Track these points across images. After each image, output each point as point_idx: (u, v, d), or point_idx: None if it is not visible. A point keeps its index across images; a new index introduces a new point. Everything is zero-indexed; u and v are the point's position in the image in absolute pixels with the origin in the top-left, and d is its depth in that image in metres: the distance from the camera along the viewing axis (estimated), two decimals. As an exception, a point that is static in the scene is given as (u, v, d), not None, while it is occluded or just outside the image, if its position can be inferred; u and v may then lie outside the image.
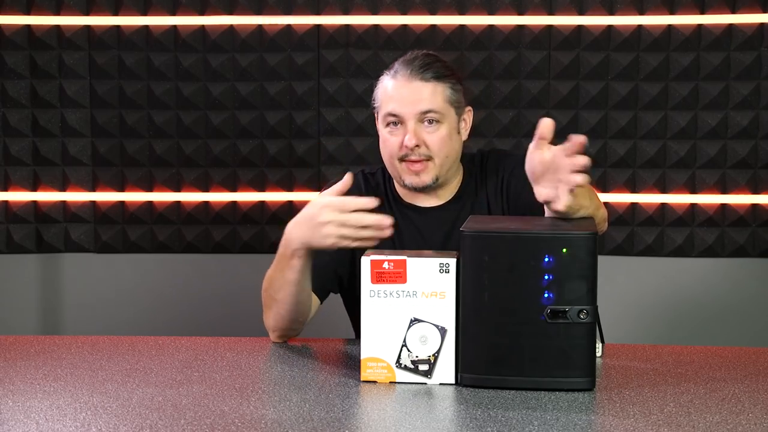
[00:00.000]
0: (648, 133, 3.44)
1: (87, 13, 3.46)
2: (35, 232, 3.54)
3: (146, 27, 3.46)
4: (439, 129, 2.11)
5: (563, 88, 3.44)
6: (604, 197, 3.42)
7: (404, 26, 3.45)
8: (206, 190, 3.52)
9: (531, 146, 1.80)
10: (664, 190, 3.45)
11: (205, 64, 3.48)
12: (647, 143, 3.44)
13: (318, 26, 3.46)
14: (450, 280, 1.74)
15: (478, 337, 1.72)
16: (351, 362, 1.91)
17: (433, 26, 3.44)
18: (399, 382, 1.77)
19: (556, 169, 1.77)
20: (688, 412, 1.61)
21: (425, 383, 1.76)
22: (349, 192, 1.91)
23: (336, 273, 2.15)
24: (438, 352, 1.75)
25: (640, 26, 3.41)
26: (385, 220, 1.84)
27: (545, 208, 1.84)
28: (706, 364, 1.92)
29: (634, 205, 3.47)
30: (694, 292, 3.50)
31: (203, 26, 3.47)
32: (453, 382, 1.76)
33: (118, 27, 3.46)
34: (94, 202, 3.53)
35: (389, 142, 2.12)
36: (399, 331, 1.76)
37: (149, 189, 3.52)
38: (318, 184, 3.46)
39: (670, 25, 3.40)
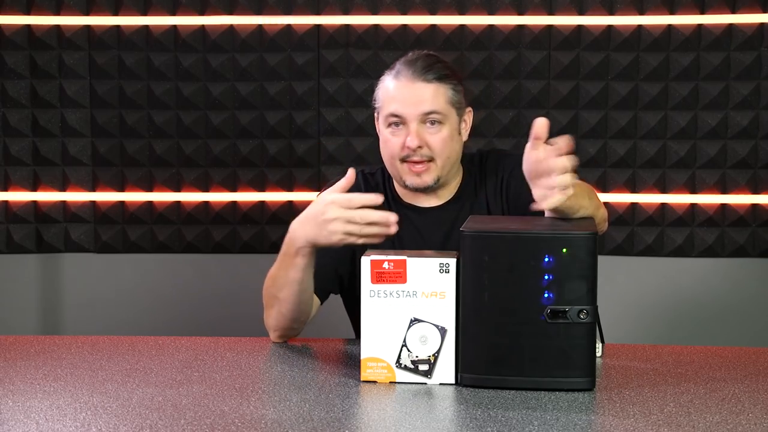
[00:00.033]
0: (648, 133, 3.44)
1: (87, 13, 3.46)
2: (35, 232, 3.54)
3: (146, 27, 3.46)
4: (441, 130, 2.11)
5: (563, 88, 3.44)
6: (604, 197, 3.42)
7: (404, 26, 3.45)
8: (206, 190, 3.52)
9: (527, 147, 1.79)
10: (664, 190, 3.45)
11: (205, 64, 3.48)
12: (647, 143, 3.44)
13: (318, 26, 3.46)
14: (450, 280, 1.74)
15: (478, 337, 1.72)
16: (351, 362, 1.91)
17: (433, 26, 3.44)
18: (399, 382, 1.77)
19: (547, 169, 1.76)
20: (688, 412, 1.61)
21: (425, 383, 1.76)
22: (350, 191, 1.91)
23: (336, 273, 2.15)
24: (438, 352, 1.75)
25: (640, 26, 3.41)
26: (391, 216, 1.84)
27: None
28: (706, 364, 1.92)
29: (634, 205, 3.47)
30: (694, 292, 3.50)
31: (203, 26, 3.47)
32: (453, 382, 1.76)
33: (118, 27, 3.46)
34: (94, 202, 3.53)
35: (391, 142, 2.12)
36: (399, 331, 1.76)
37: (149, 189, 3.52)
38: (318, 184, 3.46)
39: (670, 25, 3.40)
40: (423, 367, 1.76)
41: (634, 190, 3.46)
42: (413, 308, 1.75)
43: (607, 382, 1.79)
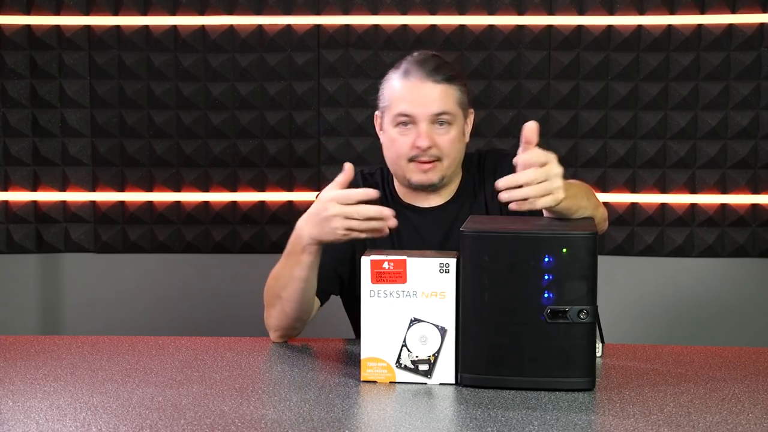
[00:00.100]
0: (648, 133, 3.44)
1: (87, 13, 3.46)
2: (35, 232, 3.54)
3: (146, 27, 3.46)
4: (450, 131, 2.12)
5: (563, 88, 3.44)
6: (604, 197, 3.42)
7: (404, 26, 3.45)
8: (206, 190, 3.52)
9: (519, 151, 1.80)
10: (664, 190, 3.45)
11: (205, 64, 3.48)
12: (647, 143, 3.44)
13: (318, 26, 3.46)
14: (450, 280, 1.74)
15: (478, 337, 1.72)
16: (351, 362, 1.91)
17: (433, 26, 3.44)
18: (399, 382, 1.77)
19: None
20: (688, 412, 1.61)
21: (425, 383, 1.76)
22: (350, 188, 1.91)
23: (336, 272, 2.16)
24: (438, 352, 1.75)
25: (640, 26, 3.41)
26: (385, 210, 1.85)
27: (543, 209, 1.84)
28: (706, 364, 1.92)
29: (634, 205, 3.47)
30: (694, 292, 3.50)
31: (203, 26, 3.47)
32: (453, 382, 1.76)
33: (118, 27, 3.46)
34: (94, 202, 3.53)
35: (399, 142, 2.12)
36: (399, 331, 1.76)
37: (149, 189, 3.52)
38: (318, 184, 3.46)
39: (670, 25, 3.40)
40: (423, 367, 1.76)
41: (634, 190, 3.46)
42: (413, 308, 1.75)
43: (607, 382, 1.79)
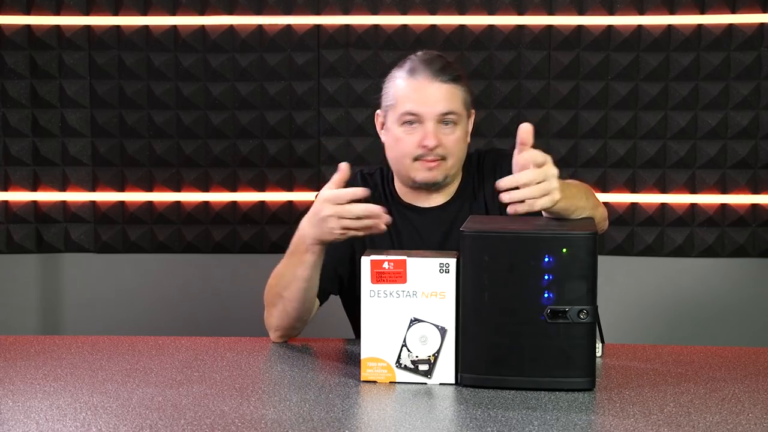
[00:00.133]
0: (648, 133, 3.44)
1: (87, 13, 3.46)
2: (35, 232, 3.54)
3: (146, 27, 3.46)
4: (455, 131, 2.12)
5: (563, 88, 3.44)
6: (604, 197, 3.42)
7: (404, 26, 3.45)
8: (206, 190, 3.52)
9: (515, 153, 1.80)
10: (664, 190, 3.45)
11: (205, 64, 3.48)
12: (647, 143, 3.44)
13: (318, 26, 3.46)
14: (450, 280, 1.74)
15: (478, 337, 1.72)
16: (351, 362, 1.91)
17: (433, 26, 3.44)
18: (399, 382, 1.77)
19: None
20: (688, 412, 1.61)
21: (425, 383, 1.76)
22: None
23: (336, 272, 2.16)
24: (438, 352, 1.75)
25: (640, 26, 3.41)
26: (375, 208, 1.86)
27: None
28: (706, 364, 1.92)
29: (634, 205, 3.47)
30: (694, 292, 3.50)
31: (203, 26, 3.47)
32: (453, 382, 1.76)
33: (118, 27, 3.46)
34: (94, 202, 3.53)
35: (405, 141, 2.12)
36: (399, 331, 1.76)
37: (149, 189, 3.52)
38: (318, 184, 3.46)
39: (670, 25, 3.40)
40: (423, 367, 1.76)
41: (634, 190, 3.46)
42: (413, 308, 1.75)
43: (607, 382, 1.79)
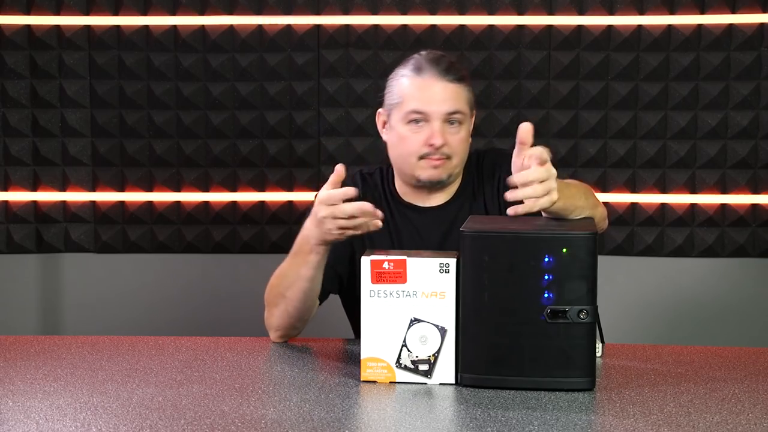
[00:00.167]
0: (648, 133, 3.44)
1: (87, 13, 3.46)
2: (35, 232, 3.54)
3: (146, 27, 3.46)
4: (460, 131, 2.13)
5: (563, 88, 3.44)
6: (604, 197, 3.42)
7: (404, 26, 3.45)
8: (206, 190, 3.52)
9: (514, 152, 1.80)
10: (664, 190, 3.45)
11: (205, 64, 3.48)
12: (647, 143, 3.44)
13: (318, 26, 3.46)
14: (450, 280, 1.74)
15: (478, 337, 1.72)
16: (351, 362, 1.92)
17: (433, 26, 3.44)
18: (399, 382, 1.77)
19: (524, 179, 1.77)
20: (688, 412, 1.61)
21: (425, 383, 1.76)
22: (351, 194, 1.92)
23: (336, 271, 2.16)
24: (438, 352, 1.75)
25: (640, 26, 3.41)
26: (365, 205, 1.87)
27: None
28: (706, 364, 1.92)
29: (634, 205, 3.47)
30: (694, 292, 3.50)
31: (203, 26, 3.47)
32: (453, 382, 1.76)
33: (118, 27, 3.46)
34: (94, 202, 3.53)
35: (410, 139, 2.12)
36: (399, 331, 1.76)
37: (149, 189, 3.52)
38: (318, 184, 3.46)
39: (670, 25, 3.40)
40: (423, 367, 1.76)
41: (634, 190, 3.46)
42: (413, 308, 1.75)
43: (607, 382, 1.79)
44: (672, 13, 3.39)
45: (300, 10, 3.45)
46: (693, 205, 3.45)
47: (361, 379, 1.78)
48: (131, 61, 3.48)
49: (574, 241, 1.69)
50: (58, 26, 3.46)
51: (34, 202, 3.52)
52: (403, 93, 2.13)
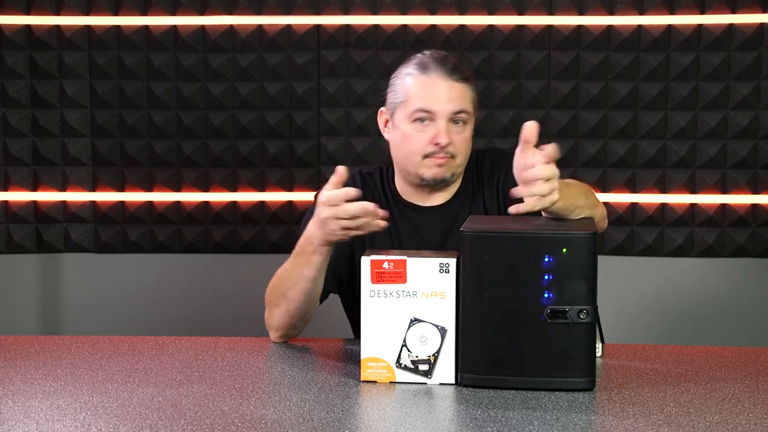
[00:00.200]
0: (648, 133, 3.44)
1: (87, 13, 3.46)
2: (35, 232, 3.54)
3: (146, 27, 3.46)
4: (464, 130, 2.13)
5: (563, 88, 3.44)
6: (604, 197, 3.42)
7: (404, 26, 3.45)
8: (206, 190, 3.52)
9: (517, 150, 1.80)
10: (664, 190, 3.45)
11: (205, 64, 3.48)
12: (647, 143, 3.44)
13: (318, 26, 3.46)
14: (450, 280, 1.74)
15: (478, 337, 1.72)
16: (351, 362, 1.91)
17: (433, 26, 3.44)
18: (399, 382, 1.77)
19: (531, 177, 1.77)
20: (688, 412, 1.61)
21: (425, 383, 1.76)
22: (351, 194, 1.92)
23: (336, 271, 2.16)
24: (438, 352, 1.75)
25: (640, 26, 3.41)
26: (368, 205, 1.87)
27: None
28: (706, 364, 1.92)
29: (634, 205, 3.47)
30: (694, 292, 3.50)
31: (203, 26, 3.47)
32: (453, 382, 1.76)
33: (118, 27, 3.46)
34: (94, 202, 3.53)
35: (415, 138, 2.12)
36: (399, 331, 1.76)
37: (149, 189, 3.52)
38: (318, 184, 3.46)
39: (670, 25, 3.40)
40: (423, 367, 1.76)
41: (634, 190, 3.46)
42: (413, 308, 1.75)
43: (607, 382, 1.79)
44: (672, 13, 3.39)
45: (300, 10, 3.45)
46: (693, 205, 3.45)
47: (361, 379, 1.78)
48: (131, 61, 3.48)
49: (574, 241, 1.69)
50: (58, 26, 3.46)
51: (34, 202, 3.52)
52: (409, 91, 2.12)
